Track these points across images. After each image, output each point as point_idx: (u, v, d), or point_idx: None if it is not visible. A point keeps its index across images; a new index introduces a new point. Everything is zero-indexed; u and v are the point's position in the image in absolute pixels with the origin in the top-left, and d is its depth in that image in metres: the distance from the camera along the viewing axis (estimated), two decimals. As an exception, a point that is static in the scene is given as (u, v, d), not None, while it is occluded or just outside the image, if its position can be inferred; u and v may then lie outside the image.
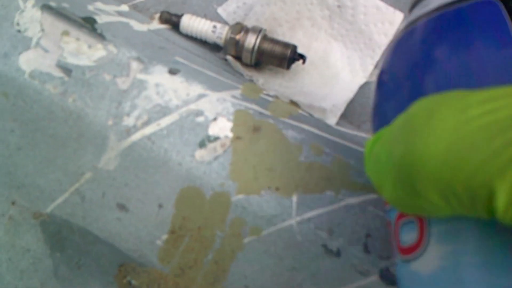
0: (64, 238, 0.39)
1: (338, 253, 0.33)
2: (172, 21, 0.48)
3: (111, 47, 0.37)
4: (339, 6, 0.48)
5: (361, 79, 0.48)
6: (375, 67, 0.48)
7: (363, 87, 0.48)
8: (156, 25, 0.47)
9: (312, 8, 0.49)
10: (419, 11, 0.25)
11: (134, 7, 0.49)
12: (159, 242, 0.36)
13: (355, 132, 0.44)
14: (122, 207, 0.37)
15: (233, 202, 0.34)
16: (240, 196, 0.34)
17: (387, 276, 0.32)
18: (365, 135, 0.45)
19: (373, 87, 0.48)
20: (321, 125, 0.40)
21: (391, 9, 0.47)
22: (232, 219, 0.35)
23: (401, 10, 0.47)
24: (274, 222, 0.34)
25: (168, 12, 0.48)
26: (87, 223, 0.38)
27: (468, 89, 0.18)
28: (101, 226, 0.38)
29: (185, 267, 0.35)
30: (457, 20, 0.22)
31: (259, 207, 0.34)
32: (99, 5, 0.43)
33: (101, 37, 0.37)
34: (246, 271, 0.34)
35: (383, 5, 0.47)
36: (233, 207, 0.35)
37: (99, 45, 0.37)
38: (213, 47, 0.49)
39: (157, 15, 0.49)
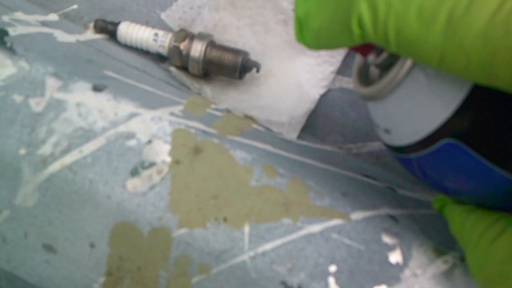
0: None
1: (300, 292, 0.28)
2: (108, 30, 0.43)
3: (23, 63, 0.31)
4: (294, 10, 0.43)
5: (321, 89, 0.43)
6: (336, 73, 0.43)
7: (325, 96, 0.43)
8: (89, 35, 0.42)
9: (265, 12, 0.44)
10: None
11: (65, 15, 0.44)
12: (96, 286, 0.31)
13: (318, 146, 0.39)
14: (49, 248, 0.31)
15: (175, 237, 0.29)
16: (183, 231, 0.29)
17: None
18: (329, 148, 0.40)
19: (335, 95, 0.44)
20: (278, 141, 0.35)
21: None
22: (175, 257, 0.29)
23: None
24: (224, 258, 0.28)
25: (103, 20, 0.43)
26: (12, 267, 0.32)
27: None
28: (29, 270, 0.32)
29: (126, 316, 0.30)
30: None
31: (205, 242, 0.29)
32: (19, 15, 0.37)
33: (10, 51, 0.32)
34: (197, 315, 0.29)
35: (342, 4, 0.42)
36: (175, 244, 0.29)
37: (8, 61, 0.31)
38: (157, 57, 0.43)
39: (92, 24, 0.43)
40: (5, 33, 0.33)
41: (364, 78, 0.28)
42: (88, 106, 0.31)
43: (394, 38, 0.20)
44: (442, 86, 0.22)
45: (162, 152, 0.30)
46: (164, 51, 0.42)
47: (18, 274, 0.32)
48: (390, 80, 0.23)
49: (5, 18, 0.36)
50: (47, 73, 0.31)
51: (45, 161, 0.29)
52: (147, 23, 0.45)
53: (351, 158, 0.39)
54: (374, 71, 0.28)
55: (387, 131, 0.25)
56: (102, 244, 0.30)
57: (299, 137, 0.39)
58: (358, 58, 0.29)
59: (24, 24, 0.36)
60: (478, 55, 0.18)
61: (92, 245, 0.30)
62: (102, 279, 0.30)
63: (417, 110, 0.23)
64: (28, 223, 0.31)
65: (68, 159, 0.29)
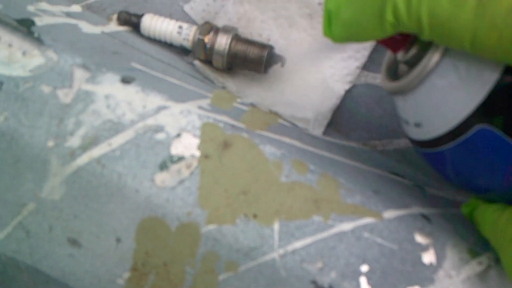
0: (11, 279, 0.33)
1: (330, 291, 0.27)
2: (132, 22, 0.42)
3: (51, 53, 0.31)
4: (320, 4, 0.42)
5: (346, 84, 0.42)
6: (361, 69, 0.43)
7: (350, 91, 0.42)
8: (113, 27, 0.41)
9: (290, 6, 0.43)
10: None
11: (88, 7, 0.43)
12: (120, 281, 0.30)
13: (343, 142, 0.39)
14: (73, 242, 0.31)
15: (203, 233, 0.29)
16: (211, 227, 0.28)
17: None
18: (355, 144, 0.40)
19: (360, 90, 0.43)
20: (305, 137, 0.35)
21: (378, 3, 0.41)
22: (203, 253, 0.29)
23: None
24: (253, 256, 0.28)
25: (126, 12, 0.42)
26: (35, 261, 0.32)
27: None
28: (52, 264, 0.31)
29: (152, 310, 0.29)
30: None
31: (234, 239, 0.28)
32: (43, 5, 0.37)
33: (38, 41, 0.31)
34: (224, 311, 0.28)
35: None
36: (203, 240, 0.29)
37: (36, 52, 0.31)
38: (180, 50, 0.43)
39: (115, 16, 0.43)
40: (32, 23, 0.33)
41: (393, 75, 0.28)
42: (116, 98, 0.30)
43: (427, 22, 0.20)
44: (473, 72, 0.22)
45: (191, 146, 0.30)
46: (188, 44, 0.41)
47: (40, 268, 0.32)
48: (420, 71, 0.23)
49: (31, 8, 0.35)
50: (75, 64, 0.31)
51: (73, 154, 0.29)
52: (170, 16, 0.44)
53: (377, 155, 0.39)
54: (402, 68, 0.27)
55: (418, 124, 0.25)
56: (128, 239, 0.30)
57: (324, 133, 0.39)
58: (386, 57, 0.29)
59: (49, 14, 0.36)
60: (509, 31, 0.18)
61: (118, 240, 0.30)
62: (126, 274, 0.30)
63: (449, 99, 0.23)
64: (53, 217, 0.30)
65: (97, 151, 0.29)
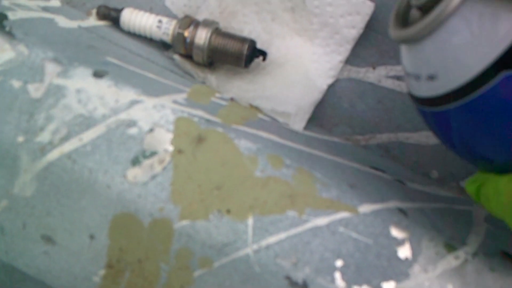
0: None
1: (304, 286, 0.27)
2: (111, 17, 0.42)
3: (22, 48, 0.30)
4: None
5: (329, 78, 0.42)
6: (344, 63, 0.42)
7: (333, 86, 0.42)
8: (92, 21, 0.41)
9: (273, 0, 0.43)
10: None
11: (68, 1, 0.43)
12: (96, 279, 0.30)
13: (325, 137, 0.38)
14: (48, 239, 0.30)
15: (176, 229, 0.28)
16: (184, 223, 0.28)
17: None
18: (337, 139, 0.39)
19: (343, 85, 0.43)
20: (284, 131, 0.34)
21: (360, -2, 0.41)
22: (177, 249, 0.28)
23: (371, -2, 0.41)
24: (227, 251, 0.28)
25: (106, 7, 0.42)
26: (11, 259, 0.31)
27: None
28: (28, 262, 0.31)
29: (128, 308, 0.29)
30: None
31: (207, 235, 0.28)
32: (20, 0, 0.36)
33: (9, 36, 0.31)
34: (200, 309, 0.28)
35: (351, -7, 0.41)
36: (176, 236, 0.28)
37: (6, 46, 0.30)
38: (160, 45, 0.42)
39: (94, 10, 0.42)
40: (5, 17, 0.32)
41: (403, 22, 0.25)
42: (88, 92, 0.30)
43: None
44: (501, 10, 0.19)
45: (164, 141, 0.29)
46: (168, 39, 0.41)
47: (16, 266, 0.31)
48: (439, 13, 0.21)
49: (5, 2, 0.35)
50: (46, 58, 0.30)
51: (44, 149, 0.29)
52: (151, 10, 0.44)
53: (359, 150, 0.38)
54: (414, 14, 0.25)
55: (432, 77, 0.23)
56: (102, 236, 0.29)
57: (305, 128, 0.38)
58: (397, 3, 0.26)
59: (24, 8, 0.35)
60: None
61: (91, 237, 0.29)
62: (102, 272, 0.30)
63: (471, 44, 0.20)
64: (26, 214, 0.30)
65: (67, 147, 0.29)
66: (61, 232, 0.30)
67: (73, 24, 0.37)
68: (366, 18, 0.41)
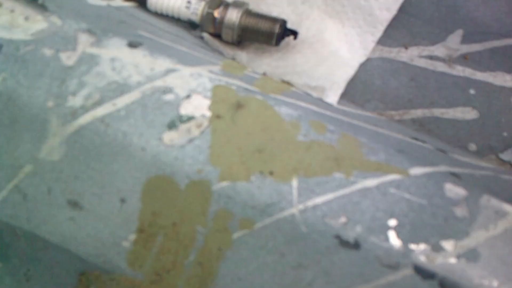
0: (7, 245, 0.31)
1: (356, 245, 0.25)
2: (139, -2, 0.41)
3: (54, 19, 0.30)
4: (332, -24, 0.41)
5: (361, 57, 0.41)
6: (377, 43, 0.41)
7: (364, 65, 0.41)
8: (120, 2, 0.40)
9: (302, -21, 0.42)
10: None
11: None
12: (126, 244, 0.29)
13: (359, 112, 0.37)
14: (74, 204, 0.29)
15: (215, 191, 0.27)
16: (224, 184, 0.27)
17: (424, 269, 0.24)
18: (370, 114, 0.38)
19: (375, 63, 0.42)
20: (321, 103, 0.33)
21: (393, -22, 0.40)
22: (215, 211, 0.27)
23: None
24: (270, 212, 0.26)
25: (132, -13, 0.41)
26: (33, 226, 0.30)
27: None
28: (51, 229, 0.30)
29: (162, 272, 0.27)
30: None
31: (249, 196, 0.26)
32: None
33: (42, 8, 0.30)
34: (240, 272, 0.26)
35: (384, -27, 0.40)
36: (215, 197, 0.27)
37: (39, 17, 0.30)
38: (188, 25, 0.41)
39: (121, -7, 0.42)
40: (35, -11, 0.32)
41: None
42: (122, 61, 0.29)
43: None
44: None
45: (201, 107, 0.28)
46: (196, 19, 0.40)
47: (39, 233, 0.30)
48: None
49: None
50: (80, 29, 0.30)
51: (75, 113, 0.28)
52: (177, -7, 0.43)
53: (395, 124, 0.37)
54: None
55: None
56: (134, 199, 0.28)
57: (338, 103, 0.37)
58: None
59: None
60: None
61: (122, 200, 0.28)
62: (132, 236, 0.28)
63: None
64: (52, 178, 0.29)
65: (100, 111, 0.28)
66: (90, 196, 0.29)
67: (102, 2, 0.36)
68: (400, 0, 0.40)
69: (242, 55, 0.40)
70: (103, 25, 0.31)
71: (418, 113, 0.38)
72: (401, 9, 0.41)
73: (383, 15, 0.41)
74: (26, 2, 0.30)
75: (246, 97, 0.29)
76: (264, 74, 0.35)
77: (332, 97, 0.36)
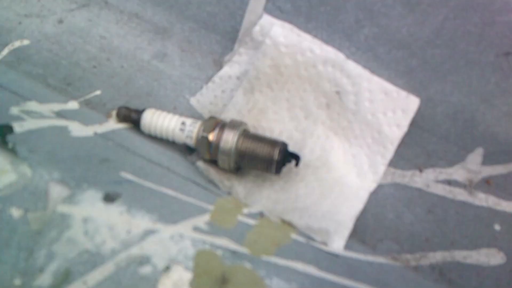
0: None
1: None
2: (132, 119, 0.39)
3: (24, 168, 0.27)
4: (338, 92, 0.38)
5: (371, 184, 0.37)
6: (388, 166, 0.38)
7: (375, 193, 0.37)
8: (111, 125, 0.38)
9: (305, 95, 0.39)
10: None
11: (87, 102, 0.40)
12: None
13: (369, 258, 0.33)
14: None
15: None
16: None
17: None
18: (383, 259, 0.34)
19: (387, 191, 0.38)
20: (322, 258, 0.29)
21: (403, 93, 0.37)
22: None
23: (416, 93, 0.37)
24: None
25: (126, 108, 0.39)
26: None
27: None
28: None
29: None
30: None
31: None
32: (32, 105, 0.34)
33: (12, 154, 0.27)
34: None
35: (393, 88, 0.37)
36: None
37: (8, 167, 0.27)
38: (184, 148, 0.38)
39: (114, 112, 0.39)
40: (10, 129, 0.29)
41: None
42: (97, 221, 0.26)
43: None
44: None
45: (182, 283, 0.24)
46: (191, 142, 0.37)
47: None
48: None
49: (14, 110, 0.32)
50: (52, 180, 0.27)
51: (42, 294, 0.24)
52: (174, 109, 0.41)
53: (409, 274, 0.33)
54: None
55: None
56: None
57: (346, 246, 0.33)
58: None
59: (35, 116, 0.32)
60: None
61: None
62: None
63: None
64: None
65: (69, 291, 0.24)
66: None
67: (88, 131, 0.34)
68: (411, 115, 0.37)
69: (239, 189, 0.36)
70: (79, 172, 0.28)
71: (437, 256, 0.34)
72: (413, 123, 0.37)
73: (393, 132, 0.37)
74: (-5, 148, 0.28)
75: (233, 268, 0.25)
76: (262, 215, 0.32)
77: (338, 242, 0.32)
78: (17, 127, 0.30)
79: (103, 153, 0.32)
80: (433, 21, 0.34)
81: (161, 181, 0.31)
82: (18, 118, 0.31)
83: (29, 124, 0.31)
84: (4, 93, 0.34)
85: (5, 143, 0.28)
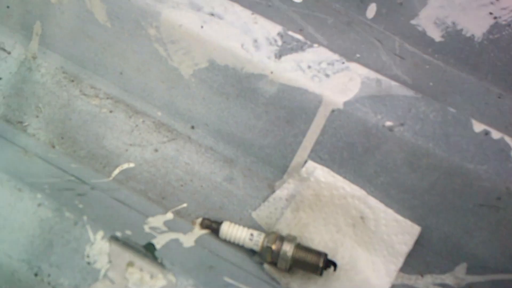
0: None
1: None
2: (212, 228, 0.53)
3: (171, 277, 0.41)
4: (361, 218, 0.53)
5: (387, 284, 0.52)
6: (398, 271, 0.52)
7: (389, 292, 0.51)
8: (198, 231, 0.52)
9: (337, 216, 0.54)
10: None
11: (177, 213, 0.54)
12: None
13: None
14: None
15: None
16: None
17: None
18: None
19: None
20: None
21: (409, 222, 0.52)
22: None
23: (418, 223, 0.52)
24: None
25: (208, 219, 0.53)
26: None
27: None
28: None
29: None
30: None
31: None
32: (151, 221, 0.48)
33: (161, 266, 0.41)
34: None
35: (401, 219, 0.52)
36: None
37: (160, 275, 0.41)
38: (250, 252, 0.53)
39: (198, 220, 0.53)
40: (153, 247, 0.43)
41: None
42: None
43: None
44: None
45: None
46: (257, 248, 0.51)
47: None
48: None
49: (146, 228, 0.46)
50: (188, 285, 0.41)
51: None
52: (240, 220, 0.55)
53: None
54: None
55: None
56: None
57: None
58: None
59: (158, 231, 0.46)
60: None
61: None
62: None
63: None
64: None
65: None
66: None
67: (190, 241, 0.48)
68: (414, 237, 0.52)
69: (294, 285, 0.50)
70: (203, 279, 0.42)
71: None
72: (416, 243, 0.52)
73: (402, 248, 0.52)
74: (150, 261, 0.41)
75: None
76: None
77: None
78: (157, 244, 0.44)
79: (207, 260, 0.46)
80: (429, 179, 0.50)
81: (247, 281, 0.45)
82: (151, 236, 0.45)
83: (160, 240, 0.45)
84: (131, 212, 0.48)
85: (155, 258, 0.42)
